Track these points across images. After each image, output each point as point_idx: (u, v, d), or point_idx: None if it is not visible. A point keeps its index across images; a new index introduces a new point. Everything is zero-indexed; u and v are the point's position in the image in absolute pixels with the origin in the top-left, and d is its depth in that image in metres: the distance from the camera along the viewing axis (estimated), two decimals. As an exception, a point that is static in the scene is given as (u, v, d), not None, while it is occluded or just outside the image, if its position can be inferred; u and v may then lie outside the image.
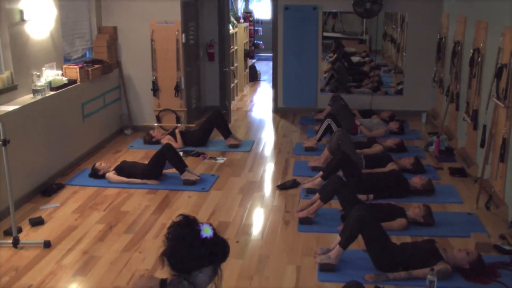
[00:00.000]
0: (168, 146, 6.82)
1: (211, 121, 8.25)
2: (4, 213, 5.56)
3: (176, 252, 2.20)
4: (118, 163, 7.01)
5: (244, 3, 15.22)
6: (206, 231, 2.20)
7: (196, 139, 8.17)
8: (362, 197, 5.95)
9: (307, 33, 10.18)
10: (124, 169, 6.76)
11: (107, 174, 6.74)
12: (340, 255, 4.67)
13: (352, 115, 9.01)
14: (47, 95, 6.60)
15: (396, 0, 9.84)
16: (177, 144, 7.86)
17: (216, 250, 2.24)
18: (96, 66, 7.92)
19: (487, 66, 6.57)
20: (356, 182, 6.19)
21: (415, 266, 4.52)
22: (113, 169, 6.82)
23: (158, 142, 8.01)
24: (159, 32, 8.60)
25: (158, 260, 2.32)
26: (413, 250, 4.67)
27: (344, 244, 4.64)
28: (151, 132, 8.29)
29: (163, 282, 2.30)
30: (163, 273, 2.54)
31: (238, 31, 12.35)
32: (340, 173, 6.39)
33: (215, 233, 2.22)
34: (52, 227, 5.57)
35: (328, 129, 7.94)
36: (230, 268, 4.76)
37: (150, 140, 8.16)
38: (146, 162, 6.95)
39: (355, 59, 11.70)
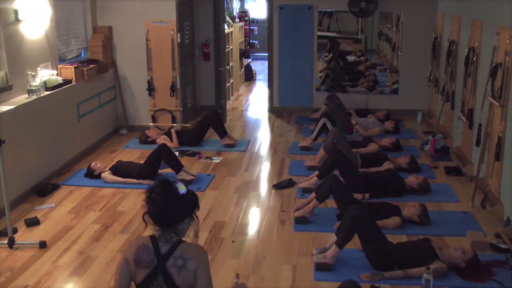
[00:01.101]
0: (163, 146, 6.81)
1: (207, 121, 8.24)
2: (0, 214, 5.55)
3: (161, 210, 2.53)
4: (114, 163, 7.00)
5: (239, 2, 15.21)
6: (181, 189, 2.56)
7: (191, 138, 8.17)
8: (358, 196, 5.96)
9: (303, 33, 10.18)
10: (119, 169, 6.75)
11: (102, 174, 6.73)
12: (337, 255, 4.67)
13: (348, 115, 9.02)
14: (42, 95, 6.59)
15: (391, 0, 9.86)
16: (173, 144, 7.86)
17: (191, 202, 2.61)
18: (91, 66, 7.90)
19: (482, 65, 6.58)
20: (352, 181, 6.20)
21: (411, 265, 4.53)
22: (109, 169, 6.81)
23: (153, 142, 7.99)
24: (154, 31, 8.59)
25: (142, 221, 2.63)
26: (409, 249, 4.68)
27: (340, 243, 4.65)
28: (146, 132, 8.28)
29: (153, 237, 2.59)
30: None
31: (233, 30, 12.34)
32: (336, 172, 6.41)
33: (186, 189, 2.57)
34: (47, 227, 5.56)
35: (324, 128, 7.94)
36: (226, 267, 4.77)
37: (145, 140, 8.15)
38: (142, 162, 6.94)
39: (350, 58, 11.71)
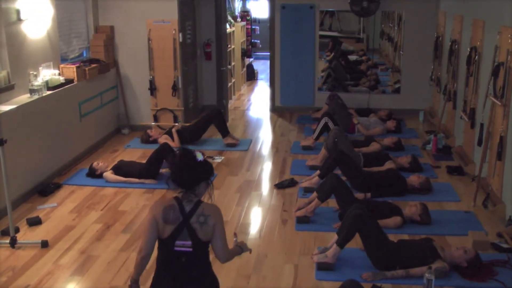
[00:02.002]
0: (165, 146, 6.82)
1: (209, 119, 8.25)
2: (2, 213, 5.56)
3: (183, 174, 2.98)
4: (116, 162, 7.00)
5: (241, 2, 15.21)
6: (199, 156, 2.99)
7: (191, 134, 8.17)
8: (359, 195, 5.95)
9: (304, 32, 10.18)
10: (121, 169, 6.76)
11: (104, 174, 6.73)
12: (338, 254, 4.67)
13: (349, 114, 9.01)
14: (44, 94, 6.59)
15: (393, -1, 9.87)
16: (174, 143, 7.85)
17: (207, 169, 3.05)
18: (93, 65, 7.91)
19: (484, 65, 6.58)
20: (354, 179, 6.21)
21: (413, 264, 4.52)
22: (110, 169, 6.81)
23: (155, 141, 8.00)
24: (156, 31, 8.59)
25: (166, 184, 3.06)
26: (410, 248, 4.68)
27: (341, 243, 4.65)
28: (148, 131, 8.28)
29: (177, 198, 3.02)
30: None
31: (235, 30, 12.34)
32: (338, 171, 6.41)
33: (203, 157, 3.01)
34: (49, 227, 5.57)
35: (325, 127, 7.93)
36: (227, 267, 4.75)
37: (147, 140, 8.15)
38: (144, 161, 6.95)
39: (352, 57, 11.70)
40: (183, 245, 2.96)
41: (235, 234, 3.50)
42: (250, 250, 3.39)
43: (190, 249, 2.96)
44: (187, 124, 8.83)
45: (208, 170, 3.06)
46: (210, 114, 8.31)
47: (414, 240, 4.94)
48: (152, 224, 2.99)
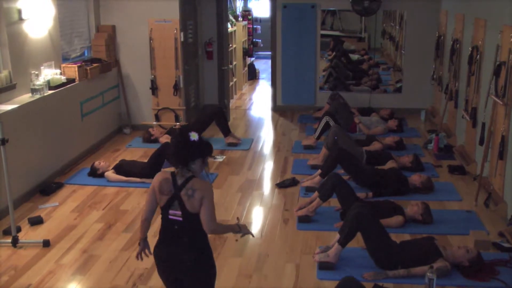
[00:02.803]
0: (167, 145, 6.81)
1: (212, 117, 8.25)
2: (3, 213, 5.56)
3: (178, 152, 3.29)
4: (117, 162, 7.01)
5: (242, 1, 15.21)
6: (193, 136, 3.27)
7: (191, 130, 8.15)
8: (361, 195, 5.95)
9: (306, 31, 10.17)
10: (122, 168, 6.76)
11: (106, 173, 6.74)
12: (339, 253, 4.67)
13: (351, 113, 9.00)
14: (45, 94, 6.60)
15: (395, -2, 9.87)
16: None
17: (201, 148, 3.31)
18: (95, 65, 7.91)
19: (486, 64, 6.57)
20: (357, 175, 6.24)
21: (415, 263, 4.52)
22: (112, 168, 6.81)
23: (157, 140, 8.01)
24: (157, 30, 8.60)
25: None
26: (412, 247, 4.68)
27: (343, 242, 4.65)
28: (150, 130, 8.28)
29: (173, 173, 3.32)
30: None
31: (236, 29, 12.34)
32: (340, 171, 6.41)
33: (200, 138, 3.29)
34: (51, 226, 5.57)
35: (327, 126, 7.93)
36: (229, 266, 4.77)
37: (149, 138, 8.15)
38: (145, 161, 6.95)
39: (354, 56, 11.70)
40: (175, 214, 3.29)
41: (237, 219, 3.72)
42: (252, 234, 3.64)
43: (180, 219, 3.28)
44: (186, 124, 8.83)
45: (202, 150, 3.32)
46: (212, 112, 8.31)
47: (416, 239, 4.94)
48: (152, 193, 3.36)
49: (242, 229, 3.53)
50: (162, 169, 6.79)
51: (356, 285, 4.04)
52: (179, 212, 3.28)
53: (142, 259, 3.58)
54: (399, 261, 4.57)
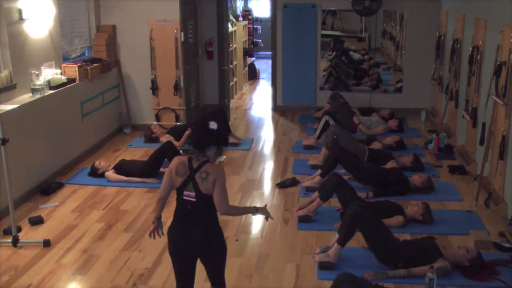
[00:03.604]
0: (169, 144, 6.82)
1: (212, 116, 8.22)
2: (4, 212, 5.56)
3: (197, 137, 3.54)
4: (117, 162, 7.00)
5: (243, 1, 15.21)
6: (213, 125, 3.51)
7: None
8: (361, 195, 5.95)
9: (306, 31, 10.17)
10: (122, 168, 6.76)
11: (106, 173, 6.74)
12: (339, 253, 4.68)
13: (352, 113, 8.99)
14: (46, 94, 6.60)
15: (395, -2, 9.87)
16: (178, 142, 7.82)
17: (218, 136, 3.55)
18: (95, 64, 7.91)
19: (486, 64, 6.57)
20: (358, 173, 6.26)
21: (416, 261, 4.52)
22: (112, 168, 6.81)
23: (157, 139, 8.01)
24: (158, 30, 8.60)
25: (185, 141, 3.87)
26: (414, 246, 4.68)
27: (342, 241, 4.65)
28: (152, 127, 8.27)
29: (189, 157, 3.57)
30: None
31: (237, 29, 12.34)
32: (341, 170, 6.41)
33: (218, 127, 3.52)
34: (51, 226, 5.57)
35: (327, 126, 7.92)
36: (229, 266, 4.74)
37: (150, 135, 8.15)
38: (146, 160, 6.95)
39: (355, 55, 11.69)
40: (189, 195, 3.51)
41: (265, 205, 3.88)
42: (271, 217, 3.83)
43: (194, 199, 3.50)
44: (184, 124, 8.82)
45: (219, 138, 3.57)
46: (212, 112, 8.29)
47: (417, 238, 4.94)
48: (169, 175, 3.60)
49: (260, 212, 3.73)
50: (165, 169, 6.83)
51: (351, 279, 4.04)
52: (193, 193, 3.50)
53: (154, 237, 3.70)
54: (400, 258, 4.57)
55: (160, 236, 3.72)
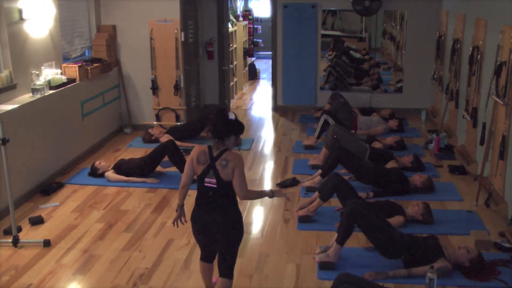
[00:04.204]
0: (171, 143, 6.83)
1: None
2: (4, 212, 5.56)
3: (216, 127, 3.75)
4: (116, 161, 7.00)
5: (243, 1, 15.21)
6: (231, 116, 3.78)
7: (189, 129, 8.18)
8: (362, 194, 5.95)
9: (307, 31, 10.17)
10: (121, 167, 6.76)
11: (106, 173, 6.73)
12: (339, 252, 4.68)
13: (352, 113, 8.98)
14: (46, 94, 6.60)
15: (395, -2, 9.87)
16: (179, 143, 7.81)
17: (237, 126, 3.82)
18: (95, 64, 7.91)
19: (487, 64, 6.57)
20: (358, 172, 6.26)
21: (418, 258, 4.54)
22: (111, 168, 6.81)
23: (157, 140, 8.01)
24: (158, 30, 8.60)
25: (206, 133, 4.03)
26: (417, 242, 4.67)
27: (341, 240, 4.65)
28: (150, 130, 8.28)
29: (209, 146, 3.80)
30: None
31: (237, 29, 12.34)
32: (342, 170, 6.41)
33: (236, 118, 3.81)
34: (51, 226, 5.57)
35: (326, 124, 7.92)
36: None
37: (149, 139, 8.15)
38: (144, 156, 6.95)
39: (356, 55, 11.69)
40: (210, 182, 3.75)
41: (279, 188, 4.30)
42: (288, 198, 4.13)
43: (215, 186, 3.74)
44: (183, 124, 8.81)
45: (237, 128, 3.82)
46: (212, 111, 8.28)
47: (421, 237, 4.92)
48: (190, 163, 3.82)
49: (275, 194, 4.02)
50: (165, 169, 6.85)
51: (351, 279, 4.05)
52: (214, 180, 3.74)
53: (178, 225, 3.97)
54: (403, 251, 4.58)
55: (183, 224, 4.00)
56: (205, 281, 4.22)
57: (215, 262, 4.03)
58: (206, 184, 3.77)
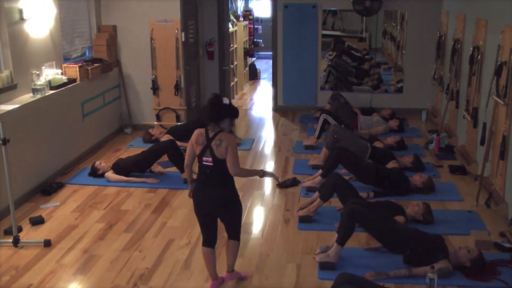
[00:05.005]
0: (172, 142, 6.82)
1: None
2: (4, 212, 5.57)
3: (212, 111, 4.11)
4: (114, 161, 6.98)
5: (243, 1, 15.21)
6: (226, 100, 4.12)
7: (189, 129, 8.17)
8: (362, 194, 5.94)
9: (307, 31, 10.17)
10: (119, 167, 6.75)
11: (106, 174, 6.73)
12: (339, 252, 4.67)
13: (353, 112, 8.97)
14: (46, 94, 6.60)
15: (396, -2, 9.87)
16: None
17: (230, 110, 4.16)
18: (96, 65, 7.91)
19: (487, 64, 6.56)
20: (359, 172, 6.26)
21: (421, 254, 4.55)
22: (111, 168, 6.80)
23: (157, 140, 8.00)
24: (158, 30, 8.60)
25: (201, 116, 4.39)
26: (424, 237, 4.68)
27: (341, 241, 4.65)
28: (150, 130, 8.27)
29: (206, 129, 4.16)
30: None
31: (237, 29, 12.34)
32: (342, 170, 6.41)
33: (230, 103, 4.16)
34: (52, 226, 5.57)
35: (326, 124, 7.92)
36: (230, 266, 4.77)
37: (150, 139, 8.15)
38: (141, 153, 6.95)
39: (357, 54, 11.68)
40: (207, 160, 4.14)
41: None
42: (278, 179, 4.64)
43: (211, 164, 4.12)
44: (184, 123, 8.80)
45: (231, 111, 4.16)
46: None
47: (429, 234, 4.90)
48: (191, 146, 4.22)
49: (265, 174, 4.40)
50: (165, 169, 6.85)
51: (351, 279, 4.05)
52: (210, 158, 4.11)
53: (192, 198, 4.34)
54: (409, 244, 4.59)
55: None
56: (209, 269, 4.42)
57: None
58: (204, 163, 4.15)
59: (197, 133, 4.20)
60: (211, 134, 4.13)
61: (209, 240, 4.36)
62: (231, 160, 4.09)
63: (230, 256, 4.45)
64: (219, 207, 4.21)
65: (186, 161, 4.31)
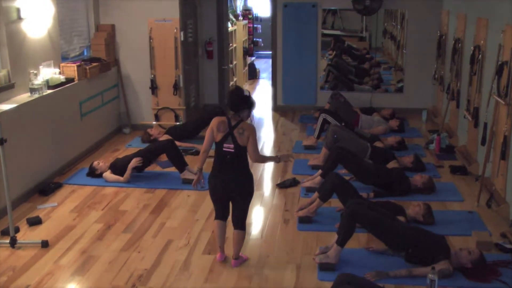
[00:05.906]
0: (171, 142, 6.80)
1: (212, 116, 8.16)
2: (2, 213, 5.54)
3: (233, 101, 4.52)
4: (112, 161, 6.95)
5: (243, 0, 15.18)
6: (246, 93, 4.57)
7: (188, 130, 8.16)
8: (362, 195, 5.91)
9: (307, 31, 10.14)
10: (117, 166, 6.71)
11: (103, 174, 6.70)
12: (339, 253, 4.65)
13: (353, 112, 8.94)
14: (44, 93, 6.57)
15: (396, -3, 9.84)
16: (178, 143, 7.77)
17: (250, 101, 4.58)
18: (94, 64, 7.87)
19: (488, 64, 6.54)
20: (359, 172, 6.24)
21: (422, 253, 4.53)
22: (109, 168, 6.77)
23: (156, 140, 7.97)
24: (157, 30, 8.57)
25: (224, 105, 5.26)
26: (427, 235, 4.65)
27: (341, 242, 4.62)
28: (148, 130, 8.24)
29: (228, 117, 4.53)
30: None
31: (237, 28, 12.33)
32: (342, 171, 6.38)
33: (249, 95, 4.60)
34: (50, 226, 5.54)
35: (325, 123, 7.89)
36: (229, 267, 4.74)
37: (148, 139, 8.11)
38: (138, 151, 6.92)
39: (357, 54, 11.67)
40: (228, 147, 4.48)
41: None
42: (293, 156, 5.13)
43: (233, 150, 4.48)
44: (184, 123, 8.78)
45: (250, 103, 4.57)
46: (211, 111, 8.26)
47: (432, 233, 4.87)
48: (210, 131, 4.53)
49: (281, 158, 4.83)
50: (164, 170, 6.82)
51: (351, 279, 4.02)
52: (232, 145, 4.47)
53: (198, 188, 4.75)
54: (411, 242, 4.58)
55: (202, 187, 4.86)
56: (219, 240, 4.81)
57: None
58: (224, 149, 4.48)
59: (218, 120, 4.51)
60: (233, 123, 4.49)
61: (223, 214, 4.75)
62: (253, 147, 4.50)
63: (236, 245, 4.72)
64: (235, 189, 4.54)
65: (204, 146, 4.59)
